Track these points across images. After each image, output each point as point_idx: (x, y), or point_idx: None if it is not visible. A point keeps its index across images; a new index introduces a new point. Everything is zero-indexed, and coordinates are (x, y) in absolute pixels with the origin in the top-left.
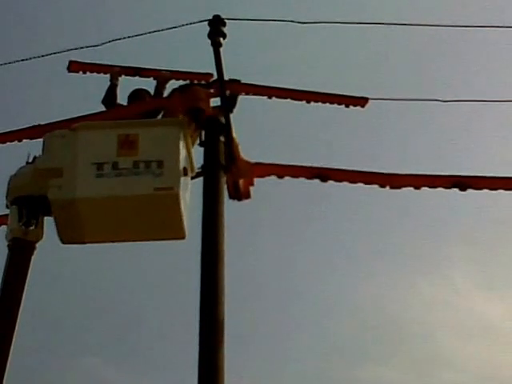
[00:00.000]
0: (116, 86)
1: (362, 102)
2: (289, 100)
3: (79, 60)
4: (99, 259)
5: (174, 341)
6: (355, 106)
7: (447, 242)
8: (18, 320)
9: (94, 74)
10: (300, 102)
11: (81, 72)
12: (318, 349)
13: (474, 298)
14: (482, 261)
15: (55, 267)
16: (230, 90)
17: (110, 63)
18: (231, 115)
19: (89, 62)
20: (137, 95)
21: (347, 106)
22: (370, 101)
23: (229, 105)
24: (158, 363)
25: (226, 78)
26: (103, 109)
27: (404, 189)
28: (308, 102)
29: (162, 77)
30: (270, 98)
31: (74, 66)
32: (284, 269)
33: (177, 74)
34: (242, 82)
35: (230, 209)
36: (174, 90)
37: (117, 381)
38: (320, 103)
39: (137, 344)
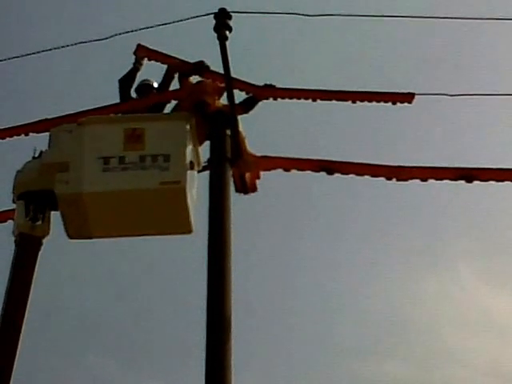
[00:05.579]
0: (138, 69)
1: (408, 98)
2: (333, 101)
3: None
4: (104, 255)
5: (179, 338)
6: (402, 103)
7: (453, 236)
8: (25, 316)
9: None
10: (345, 103)
11: (146, 59)
12: (322, 345)
13: (480, 292)
14: (489, 255)
15: (59, 263)
16: (265, 95)
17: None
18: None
19: (155, 49)
20: (144, 89)
21: (394, 103)
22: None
23: (247, 106)
24: (164, 361)
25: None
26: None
27: (411, 181)
28: (353, 101)
29: (173, 67)
30: (314, 100)
31: (141, 51)
32: (287, 265)
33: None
34: (278, 86)
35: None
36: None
37: (121, 380)
38: (366, 102)
39: (142, 342)
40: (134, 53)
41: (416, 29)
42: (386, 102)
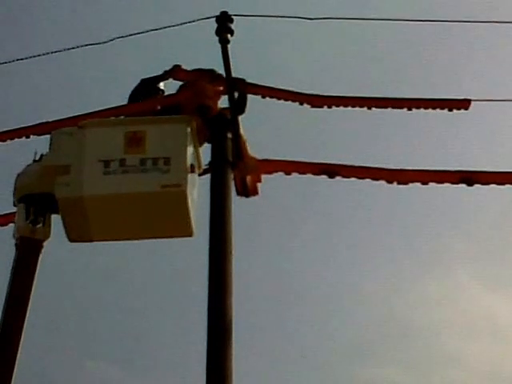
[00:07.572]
0: (165, 80)
1: (464, 104)
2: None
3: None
4: (104, 257)
5: (181, 341)
6: (459, 110)
7: (453, 240)
8: (26, 320)
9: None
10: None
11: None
12: (320, 347)
13: (480, 296)
14: (489, 258)
15: (58, 267)
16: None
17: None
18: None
19: (193, 69)
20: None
21: (450, 110)
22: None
23: (238, 107)
24: (165, 365)
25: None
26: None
27: (411, 184)
28: (409, 109)
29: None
30: (369, 108)
31: (180, 74)
32: (284, 266)
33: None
34: (329, 94)
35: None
36: (182, 87)
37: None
38: (422, 109)
39: (143, 346)
40: (171, 75)
41: (417, 31)
42: (442, 108)
